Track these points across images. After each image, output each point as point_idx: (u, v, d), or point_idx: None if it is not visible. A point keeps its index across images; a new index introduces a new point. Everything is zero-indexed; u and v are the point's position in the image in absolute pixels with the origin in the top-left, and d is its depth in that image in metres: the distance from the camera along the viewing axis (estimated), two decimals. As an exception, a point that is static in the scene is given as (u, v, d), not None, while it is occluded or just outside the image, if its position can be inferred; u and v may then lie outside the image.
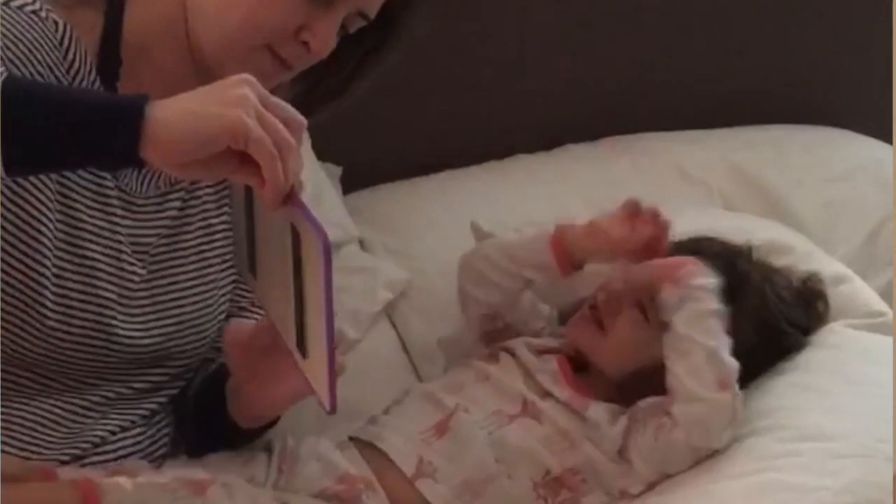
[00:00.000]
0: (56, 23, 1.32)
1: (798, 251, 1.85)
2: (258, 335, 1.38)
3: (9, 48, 1.28)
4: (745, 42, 2.28)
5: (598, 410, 1.55)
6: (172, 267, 1.46)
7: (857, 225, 2.06)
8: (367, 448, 1.53)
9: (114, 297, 1.39)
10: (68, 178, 1.35)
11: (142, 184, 1.41)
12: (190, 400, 1.51)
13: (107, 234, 1.38)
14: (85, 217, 1.36)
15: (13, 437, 1.36)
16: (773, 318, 1.63)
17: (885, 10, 2.08)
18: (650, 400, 1.53)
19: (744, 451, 1.47)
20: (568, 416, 1.55)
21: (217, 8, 1.34)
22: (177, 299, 1.46)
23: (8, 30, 1.28)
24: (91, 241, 1.37)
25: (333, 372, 1.16)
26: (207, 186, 1.48)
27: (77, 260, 1.36)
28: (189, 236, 1.47)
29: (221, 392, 1.46)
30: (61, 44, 1.32)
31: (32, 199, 1.32)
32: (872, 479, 1.37)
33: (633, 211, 1.57)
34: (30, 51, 1.29)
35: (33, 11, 1.31)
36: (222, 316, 1.51)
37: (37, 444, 1.38)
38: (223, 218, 1.49)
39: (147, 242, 1.43)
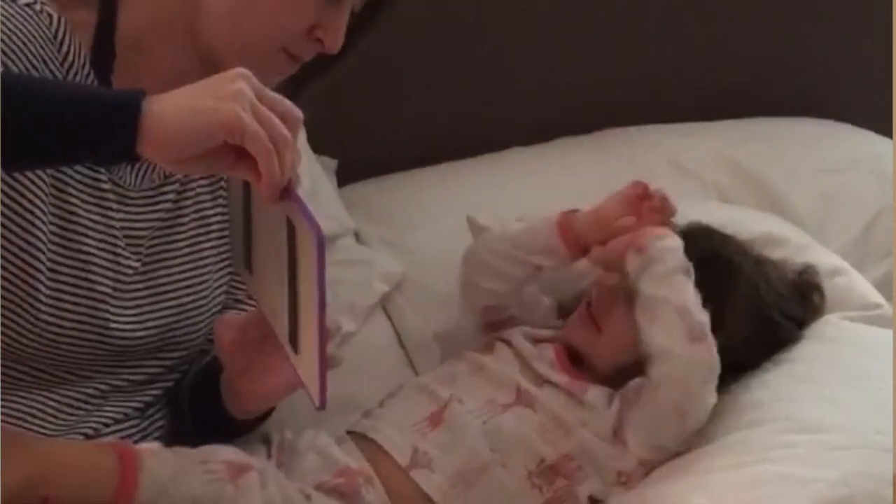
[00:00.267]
0: (50, 16, 1.32)
1: (794, 243, 1.85)
2: (249, 328, 1.38)
3: (3, 41, 1.28)
4: (740, 35, 2.27)
5: (595, 394, 1.55)
6: (167, 259, 1.46)
7: (853, 217, 2.06)
8: (362, 440, 1.53)
9: (108, 290, 1.39)
10: (63, 172, 1.35)
11: (136, 176, 1.41)
12: (184, 392, 1.51)
13: (101, 227, 1.38)
14: (80, 211, 1.36)
15: (4, 428, 1.36)
16: (768, 310, 1.63)
17: (883, 2, 2.08)
18: (639, 379, 1.53)
19: (740, 442, 1.47)
20: (564, 402, 1.55)
21: (230, 17, 1.35)
22: (171, 291, 1.46)
23: (2, 23, 1.28)
24: (85, 235, 1.37)
25: (325, 368, 1.16)
26: (201, 178, 1.49)
27: (71, 254, 1.36)
28: (183, 228, 1.47)
29: (216, 384, 1.46)
30: (56, 37, 1.32)
31: (27, 193, 1.32)
32: (869, 471, 1.37)
33: (642, 195, 1.57)
34: (24, 44, 1.29)
35: (27, 5, 1.32)
36: (217, 308, 1.52)
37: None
38: (218, 210, 1.49)
39: (142, 235, 1.43)
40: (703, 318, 1.49)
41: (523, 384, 1.57)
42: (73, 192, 1.36)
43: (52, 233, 1.34)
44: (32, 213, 1.32)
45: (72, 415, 1.41)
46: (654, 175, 2.04)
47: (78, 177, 1.36)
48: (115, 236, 1.40)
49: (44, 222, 1.33)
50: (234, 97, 1.13)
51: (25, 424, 1.38)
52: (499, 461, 1.51)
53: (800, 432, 1.45)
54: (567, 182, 2.05)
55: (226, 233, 1.48)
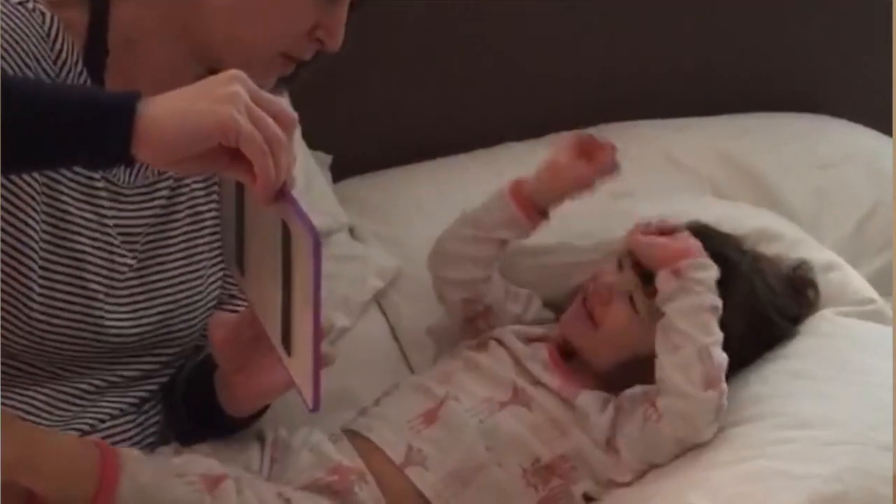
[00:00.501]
0: (43, 14, 1.32)
1: (788, 239, 1.85)
2: (243, 326, 1.37)
3: None
4: (734, 30, 2.28)
5: (587, 399, 1.55)
6: (161, 256, 1.45)
7: (847, 212, 2.06)
8: (357, 438, 1.53)
9: (101, 288, 1.39)
10: (55, 171, 1.34)
11: (129, 174, 1.41)
12: (179, 388, 1.51)
13: (95, 225, 1.38)
14: (72, 209, 1.36)
15: None
16: (762, 307, 1.63)
17: (880, -2, 2.09)
18: (636, 389, 1.54)
19: (735, 438, 1.47)
20: (557, 404, 1.55)
21: (230, 26, 1.34)
22: (166, 287, 1.46)
23: (-5, 21, 1.28)
24: (79, 234, 1.37)
25: (319, 371, 1.15)
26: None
27: (65, 252, 1.36)
28: (177, 224, 1.47)
29: (210, 381, 1.46)
30: (48, 35, 1.32)
31: (18, 192, 1.31)
32: (863, 467, 1.37)
33: (587, 141, 1.60)
34: (17, 42, 1.29)
35: (20, 3, 1.31)
36: (212, 303, 1.51)
37: None
38: (212, 205, 1.49)
39: (137, 232, 1.43)
40: (722, 361, 1.49)
41: (519, 383, 1.57)
42: (66, 190, 1.35)
43: (45, 231, 1.34)
44: (25, 212, 1.32)
45: (67, 410, 1.41)
46: (648, 170, 2.05)
47: (70, 175, 1.35)
48: (110, 234, 1.40)
49: (36, 221, 1.33)
50: (229, 99, 1.13)
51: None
52: (494, 460, 1.51)
53: (795, 428, 1.45)
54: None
55: (219, 228, 1.48)
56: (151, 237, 1.44)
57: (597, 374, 1.59)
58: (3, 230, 1.31)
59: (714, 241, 1.64)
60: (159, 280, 1.45)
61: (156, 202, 1.44)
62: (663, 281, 1.53)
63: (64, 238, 1.36)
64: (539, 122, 2.18)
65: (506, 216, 1.64)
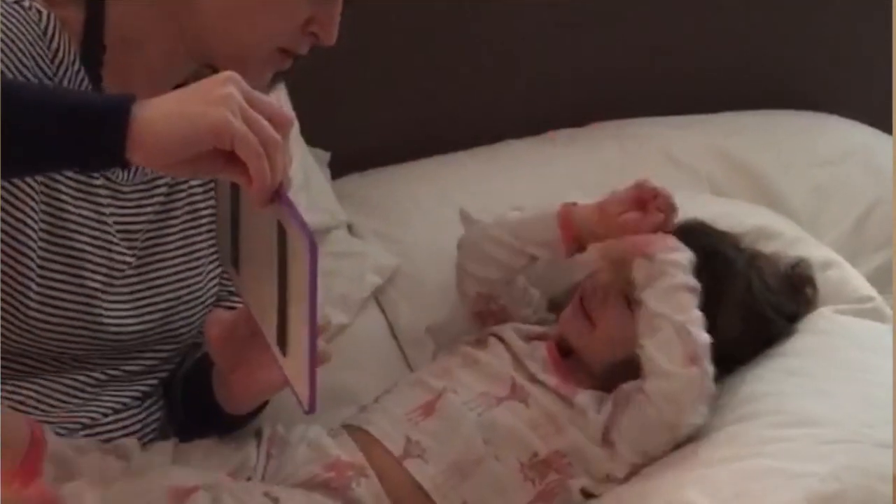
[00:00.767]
0: (39, 13, 1.32)
1: (786, 236, 1.85)
2: (240, 324, 1.37)
3: None
4: (734, 27, 2.28)
5: (585, 398, 1.55)
6: (160, 253, 1.46)
7: (845, 210, 2.06)
8: (356, 432, 1.53)
9: (100, 286, 1.39)
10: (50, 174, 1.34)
11: (128, 171, 1.41)
12: (178, 385, 1.51)
13: (93, 222, 1.38)
14: (71, 208, 1.36)
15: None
16: (759, 306, 1.63)
17: (877, -6, 2.09)
18: (632, 382, 1.53)
19: (733, 436, 1.47)
20: (555, 402, 1.55)
21: (225, 23, 1.34)
22: (166, 284, 1.46)
23: (-8, 21, 1.28)
24: (77, 232, 1.37)
25: (314, 372, 1.15)
26: (194, 172, 1.48)
27: (63, 251, 1.36)
28: (176, 221, 1.47)
29: (208, 379, 1.46)
30: (45, 34, 1.32)
31: (16, 191, 1.31)
32: (860, 465, 1.37)
33: (647, 194, 1.58)
34: (13, 41, 1.28)
35: (16, 2, 1.31)
36: (212, 299, 1.52)
37: None
38: (210, 203, 1.49)
39: (136, 230, 1.43)
40: (703, 339, 1.49)
41: (517, 379, 1.57)
42: (64, 188, 1.35)
43: (43, 230, 1.34)
44: (23, 210, 1.32)
45: (67, 403, 1.41)
46: (647, 168, 2.05)
47: (69, 173, 1.35)
48: (109, 231, 1.40)
49: (34, 220, 1.33)
50: (223, 101, 1.12)
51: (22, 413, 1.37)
52: (492, 453, 1.51)
53: (793, 426, 1.45)
54: (560, 175, 2.05)
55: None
56: (150, 234, 1.44)
57: (594, 373, 1.59)
58: (1, 229, 1.31)
59: (711, 238, 1.65)
60: (159, 277, 1.45)
61: (154, 199, 1.44)
62: (637, 269, 1.53)
63: (62, 236, 1.36)
64: (538, 119, 2.19)
65: (547, 237, 1.62)
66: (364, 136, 2.11)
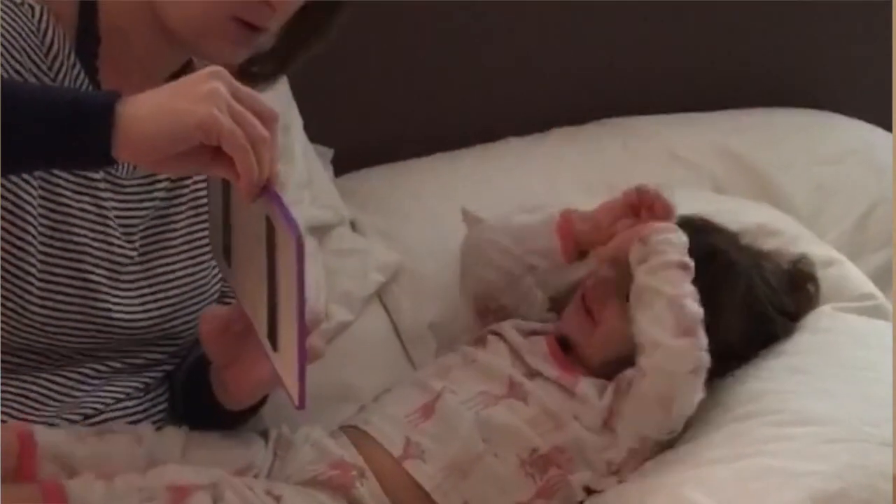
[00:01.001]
0: (32, 8, 1.31)
1: (788, 234, 1.85)
2: (234, 320, 1.36)
3: None
4: (736, 25, 2.27)
5: (586, 386, 1.55)
6: (164, 248, 1.45)
7: (847, 208, 2.06)
8: (356, 433, 1.53)
9: (103, 280, 1.39)
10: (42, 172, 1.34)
11: (128, 165, 1.41)
12: (179, 381, 1.51)
13: (94, 216, 1.38)
14: (71, 202, 1.36)
15: (3, 411, 1.36)
16: (760, 305, 1.63)
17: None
18: (633, 368, 1.53)
19: (735, 435, 1.47)
20: (556, 394, 1.55)
21: None
22: (171, 280, 1.46)
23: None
24: (77, 226, 1.36)
25: (303, 368, 1.15)
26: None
27: (64, 245, 1.36)
28: (180, 216, 1.47)
29: (207, 374, 1.46)
30: (38, 28, 1.31)
31: (13, 187, 1.31)
32: (863, 464, 1.37)
33: (641, 199, 1.59)
34: (6, 38, 1.28)
35: None
36: (216, 295, 1.51)
37: (26, 417, 1.37)
38: (212, 197, 1.49)
39: (136, 223, 1.42)
40: (695, 312, 1.49)
41: (516, 377, 1.57)
42: (63, 182, 1.35)
43: (42, 226, 1.34)
44: (22, 207, 1.31)
45: (70, 396, 1.41)
46: (650, 165, 2.06)
47: None
48: (110, 225, 1.39)
49: (33, 216, 1.33)
50: (209, 97, 1.12)
51: (24, 407, 1.38)
52: (491, 451, 1.51)
53: (795, 425, 1.45)
54: (563, 173, 2.05)
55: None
56: (153, 229, 1.44)
57: (594, 369, 1.59)
58: (0, 225, 1.31)
59: (712, 236, 1.65)
60: (164, 272, 1.45)
61: (156, 194, 1.44)
62: (632, 252, 1.54)
63: (62, 230, 1.35)
64: (541, 117, 2.19)
65: (544, 246, 1.63)
66: (367, 134, 2.11)
